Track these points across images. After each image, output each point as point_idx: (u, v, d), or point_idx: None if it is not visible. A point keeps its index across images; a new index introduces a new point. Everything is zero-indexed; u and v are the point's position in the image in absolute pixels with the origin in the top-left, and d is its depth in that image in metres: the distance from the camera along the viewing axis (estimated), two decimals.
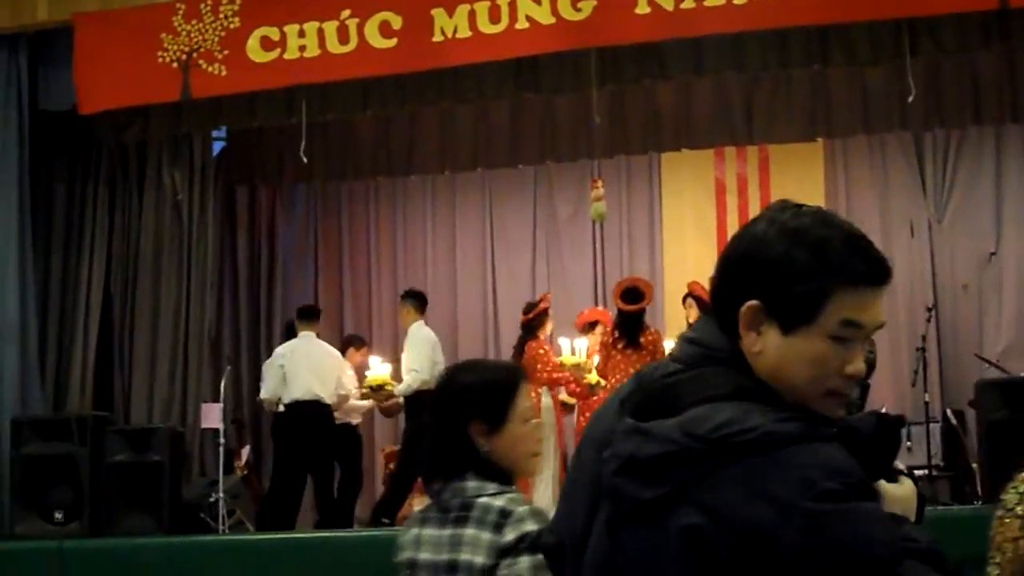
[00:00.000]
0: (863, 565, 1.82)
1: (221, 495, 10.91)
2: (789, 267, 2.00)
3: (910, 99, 10.88)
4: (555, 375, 11.52)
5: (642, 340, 11.26)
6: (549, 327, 11.97)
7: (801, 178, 13.88)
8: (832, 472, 1.85)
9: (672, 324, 12.98)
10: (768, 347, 2.03)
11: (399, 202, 15.54)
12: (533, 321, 11.83)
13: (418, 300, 12.13)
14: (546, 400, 11.46)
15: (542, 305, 11.94)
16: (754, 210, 14.14)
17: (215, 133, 13.72)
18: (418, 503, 12.18)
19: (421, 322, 11.92)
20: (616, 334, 11.43)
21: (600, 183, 11.79)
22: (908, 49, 10.60)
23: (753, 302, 2.03)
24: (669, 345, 10.67)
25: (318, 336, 12.03)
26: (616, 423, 2.06)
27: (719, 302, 2.10)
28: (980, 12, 10.35)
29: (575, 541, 2.16)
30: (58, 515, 10.57)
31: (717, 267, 2.12)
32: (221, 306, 14.35)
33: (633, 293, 11.52)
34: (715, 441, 1.89)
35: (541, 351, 11.62)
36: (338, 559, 9.43)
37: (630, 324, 11.39)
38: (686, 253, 14.37)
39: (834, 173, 14.21)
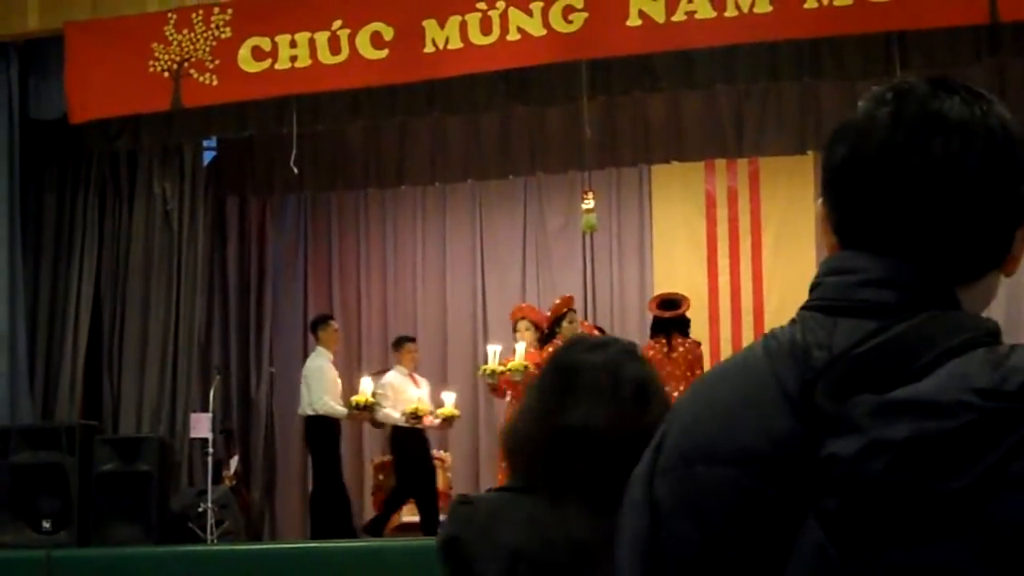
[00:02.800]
0: None
1: (209, 505, 10.89)
2: None
3: None
4: None
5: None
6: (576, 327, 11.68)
7: (791, 191, 13.88)
8: None
9: None
10: None
11: (389, 213, 15.53)
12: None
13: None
14: None
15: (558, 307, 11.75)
16: (744, 223, 14.20)
17: (206, 143, 13.72)
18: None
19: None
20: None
21: (591, 195, 11.79)
22: (898, 63, 10.62)
23: None
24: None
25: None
26: (787, 420, 1.48)
27: (927, 223, 1.54)
28: (971, 26, 10.38)
29: None
30: (46, 524, 10.55)
31: (959, 168, 1.53)
32: (210, 316, 14.32)
33: (670, 303, 11.61)
34: (1019, 395, 1.39)
35: None
36: (327, 569, 9.42)
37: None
38: (676, 265, 14.39)
39: None
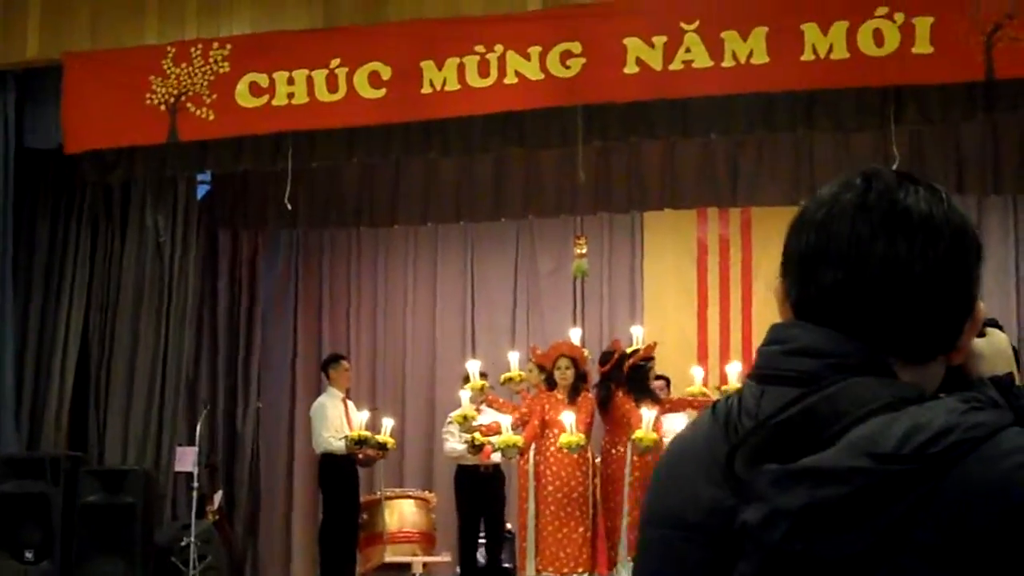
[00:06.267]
0: None
1: (193, 539, 10.86)
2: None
3: (893, 166, 10.91)
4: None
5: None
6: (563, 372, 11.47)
7: (783, 241, 13.88)
8: None
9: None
10: None
11: (381, 252, 15.53)
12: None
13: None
14: None
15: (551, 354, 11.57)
16: (735, 272, 14.21)
17: (200, 176, 13.72)
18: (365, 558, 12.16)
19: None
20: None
21: (583, 240, 11.81)
22: (893, 117, 10.66)
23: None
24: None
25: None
26: (709, 488, 1.57)
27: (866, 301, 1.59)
28: (966, 83, 10.42)
29: None
30: (28, 554, 10.51)
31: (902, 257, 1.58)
32: (199, 349, 14.30)
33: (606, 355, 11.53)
34: (914, 457, 1.41)
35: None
36: None
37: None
38: (666, 313, 14.39)
39: None
